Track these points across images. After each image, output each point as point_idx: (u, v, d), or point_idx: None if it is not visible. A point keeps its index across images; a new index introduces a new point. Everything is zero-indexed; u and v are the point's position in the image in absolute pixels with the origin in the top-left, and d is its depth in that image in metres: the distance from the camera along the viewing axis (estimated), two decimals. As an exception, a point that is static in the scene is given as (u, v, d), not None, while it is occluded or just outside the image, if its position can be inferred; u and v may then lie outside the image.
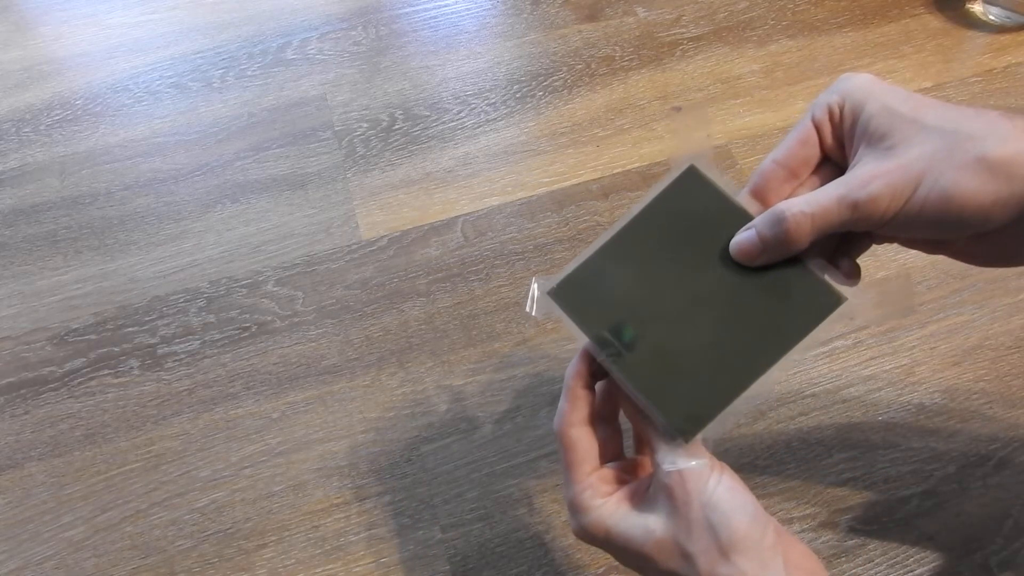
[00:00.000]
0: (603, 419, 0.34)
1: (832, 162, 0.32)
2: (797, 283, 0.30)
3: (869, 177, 0.28)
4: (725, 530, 0.28)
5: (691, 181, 0.32)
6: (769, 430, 0.49)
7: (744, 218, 0.31)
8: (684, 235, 0.32)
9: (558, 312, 0.32)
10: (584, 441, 0.32)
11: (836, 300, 0.30)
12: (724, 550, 0.28)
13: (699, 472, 0.29)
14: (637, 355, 0.31)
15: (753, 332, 0.30)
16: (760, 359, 0.30)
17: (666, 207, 0.32)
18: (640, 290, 0.32)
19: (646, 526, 0.30)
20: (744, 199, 0.32)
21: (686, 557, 0.28)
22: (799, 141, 0.31)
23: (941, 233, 0.29)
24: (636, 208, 0.33)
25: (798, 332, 0.30)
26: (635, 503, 0.31)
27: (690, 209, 0.32)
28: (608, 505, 0.31)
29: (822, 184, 0.31)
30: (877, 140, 0.28)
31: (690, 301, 0.31)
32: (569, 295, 0.32)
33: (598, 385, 0.34)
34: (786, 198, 0.31)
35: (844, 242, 0.32)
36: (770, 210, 0.30)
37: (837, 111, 0.30)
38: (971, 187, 0.26)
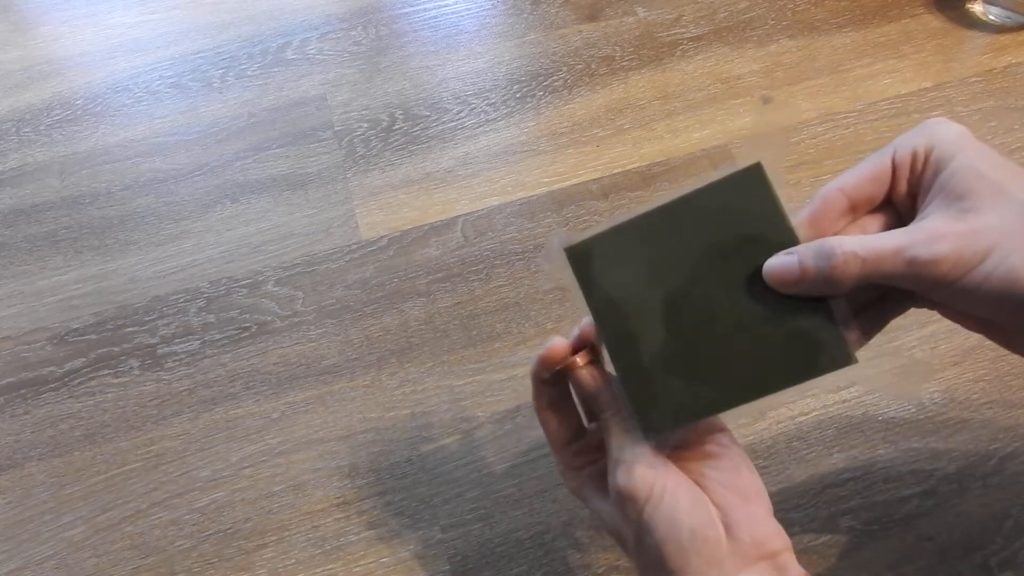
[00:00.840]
0: None
1: (893, 207, 0.30)
2: (814, 324, 0.28)
3: (936, 235, 0.26)
4: (655, 554, 0.29)
5: (752, 179, 0.29)
6: (769, 430, 0.49)
7: (790, 239, 0.28)
8: (722, 234, 0.29)
9: (567, 272, 0.31)
10: (551, 423, 0.34)
11: (846, 359, 0.28)
12: (654, 568, 0.29)
13: (635, 496, 0.29)
14: (629, 341, 0.30)
15: (752, 358, 0.29)
16: (748, 388, 0.29)
17: (717, 197, 0.29)
18: (656, 276, 0.30)
19: (604, 512, 0.32)
20: (798, 220, 0.29)
21: (629, 552, 0.31)
22: (872, 176, 0.29)
23: (996, 313, 0.27)
24: (684, 189, 0.30)
25: (796, 375, 0.28)
26: (603, 483, 0.32)
27: (739, 209, 0.29)
28: (579, 478, 0.34)
29: (876, 226, 0.29)
30: (955, 198, 0.26)
31: (702, 304, 0.29)
32: (584, 257, 0.31)
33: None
34: (838, 233, 0.29)
35: (881, 298, 0.31)
36: (819, 241, 0.27)
37: (922, 156, 0.28)
38: None
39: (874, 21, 0.70)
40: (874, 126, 0.62)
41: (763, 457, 0.47)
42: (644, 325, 0.30)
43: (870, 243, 0.26)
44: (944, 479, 0.46)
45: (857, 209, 0.30)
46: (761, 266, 0.28)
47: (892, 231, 0.27)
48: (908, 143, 0.28)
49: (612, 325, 0.30)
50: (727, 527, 0.29)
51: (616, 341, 0.30)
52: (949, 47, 0.67)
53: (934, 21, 0.69)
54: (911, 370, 0.30)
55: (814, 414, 0.49)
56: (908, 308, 0.31)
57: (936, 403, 0.49)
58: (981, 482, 0.46)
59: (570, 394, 0.34)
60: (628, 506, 0.29)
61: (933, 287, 0.26)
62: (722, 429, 0.32)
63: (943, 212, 0.26)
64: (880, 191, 0.29)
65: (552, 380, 0.33)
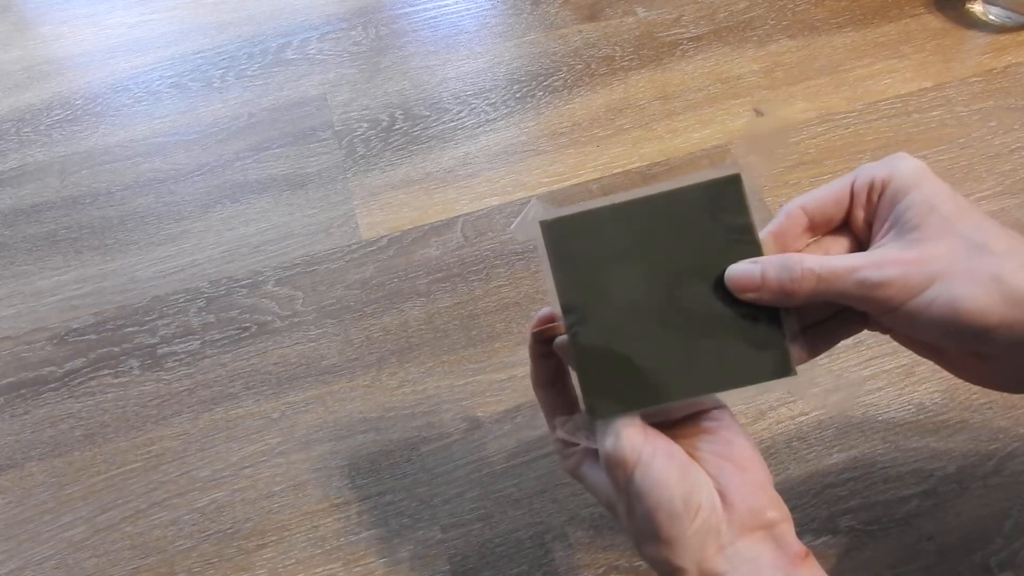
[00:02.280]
0: None
1: (849, 230, 0.32)
2: (762, 333, 0.30)
3: (887, 261, 0.28)
4: (647, 522, 0.29)
5: (729, 188, 0.31)
6: (769, 430, 0.49)
7: (755, 249, 0.30)
8: (693, 234, 0.31)
9: (540, 246, 0.31)
10: (547, 400, 0.35)
11: (785, 370, 0.30)
12: (647, 537, 0.29)
13: (623, 460, 0.29)
14: (590, 327, 0.31)
15: (700, 356, 0.30)
16: (692, 383, 0.30)
17: (693, 198, 0.31)
18: (623, 263, 0.31)
19: (600, 486, 0.32)
20: (764, 233, 0.31)
21: (623, 523, 0.31)
22: (832, 199, 0.31)
23: (939, 339, 0.29)
24: (665, 185, 0.31)
25: (737, 379, 0.30)
26: (597, 456, 0.32)
27: (713, 213, 0.31)
28: (575, 455, 0.34)
29: (839, 249, 0.31)
30: (908, 229, 0.28)
31: (661, 298, 0.31)
32: (558, 232, 0.31)
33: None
34: (799, 250, 0.31)
35: (838, 315, 0.32)
36: (783, 255, 0.30)
37: (879, 186, 0.30)
38: (979, 303, 0.26)
39: (874, 21, 0.70)
40: (874, 126, 0.62)
41: (763, 457, 0.47)
42: (603, 308, 0.31)
43: (827, 262, 0.29)
44: (944, 479, 0.46)
45: (816, 228, 0.32)
46: (723, 270, 0.30)
47: (850, 254, 0.30)
48: (869, 172, 0.30)
49: (574, 303, 0.31)
50: (722, 495, 0.29)
51: (575, 319, 0.31)
52: (949, 47, 0.67)
53: (934, 21, 0.69)
54: (841, 395, 0.31)
55: (814, 414, 0.49)
56: (860, 330, 0.32)
57: (936, 403, 0.49)
58: (981, 482, 0.46)
59: (566, 371, 0.35)
60: (617, 472, 0.29)
61: (881, 309, 0.28)
62: (718, 405, 0.33)
63: (896, 241, 0.29)
64: (839, 214, 0.31)
65: (548, 354, 0.34)
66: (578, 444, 0.34)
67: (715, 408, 0.32)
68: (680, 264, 0.31)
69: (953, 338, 0.28)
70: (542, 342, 0.33)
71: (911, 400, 0.49)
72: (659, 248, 0.31)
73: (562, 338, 0.32)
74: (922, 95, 0.64)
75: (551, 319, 0.33)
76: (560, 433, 0.33)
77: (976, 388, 0.49)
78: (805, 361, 0.31)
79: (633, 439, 0.29)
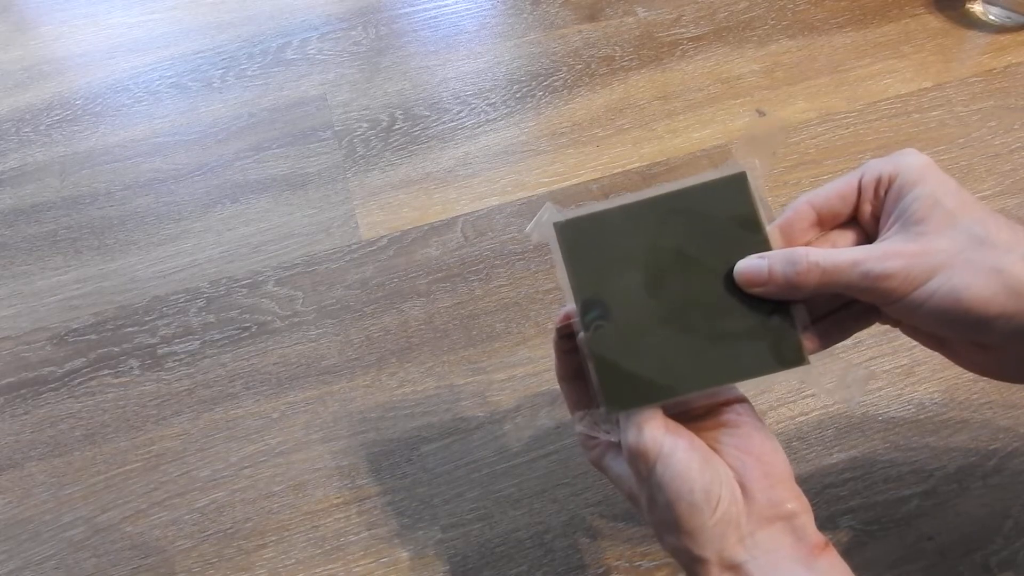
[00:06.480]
0: None
1: (858, 224, 0.32)
2: (774, 325, 0.31)
3: (890, 253, 0.29)
4: (668, 512, 0.29)
5: (735, 186, 0.32)
6: (769, 430, 0.48)
7: (762, 245, 0.31)
8: (703, 232, 0.32)
9: (554, 246, 0.32)
10: (571, 393, 0.35)
11: (798, 360, 0.30)
12: (668, 527, 0.30)
13: (645, 453, 0.30)
14: (605, 324, 0.31)
15: (715, 349, 0.31)
16: (705, 376, 0.31)
17: (700, 197, 0.32)
18: (636, 262, 0.32)
19: (623, 477, 0.33)
20: (771, 228, 0.32)
21: (644, 514, 0.31)
22: (839, 195, 0.31)
23: (942, 329, 0.29)
24: (673, 185, 0.32)
25: (751, 369, 0.31)
26: (618, 449, 0.33)
27: (720, 211, 0.32)
28: (600, 448, 0.35)
29: (846, 242, 0.32)
30: (912, 223, 0.29)
31: (674, 294, 0.31)
32: (572, 235, 0.32)
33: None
34: (806, 244, 0.32)
35: (849, 307, 0.32)
36: (789, 250, 0.30)
37: (886, 182, 0.30)
38: (980, 293, 0.27)
39: (874, 21, 0.70)
40: (874, 126, 0.62)
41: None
42: (617, 306, 0.31)
43: (831, 256, 0.29)
44: (944, 479, 0.46)
45: (824, 223, 0.32)
46: (733, 265, 0.31)
47: (854, 248, 0.30)
48: (875, 168, 0.31)
49: (589, 301, 0.32)
50: (742, 487, 0.30)
51: (590, 317, 0.32)
52: (949, 47, 0.67)
53: (934, 21, 0.69)
54: (854, 377, 0.32)
55: (814, 414, 0.49)
56: (873, 321, 0.33)
57: (936, 403, 0.49)
58: (981, 482, 0.46)
59: None
60: (639, 464, 0.30)
61: (885, 300, 0.29)
62: (740, 400, 0.33)
63: (900, 234, 0.29)
64: (846, 209, 0.32)
65: (571, 349, 0.34)
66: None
67: (737, 402, 0.33)
68: (691, 260, 0.31)
69: (954, 328, 0.28)
70: (565, 337, 0.34)
71: (911, 400, 0.49)
72: (670, 245, 0.32)
73: (579, 335, 0.33)
74: (922, 95, 0.64)
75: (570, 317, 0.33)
76: (580, 427, 0.33)
77: (976, 388, 0.49)
78: (817, 351, 0.32)
79: (654, 432, 0.30)
